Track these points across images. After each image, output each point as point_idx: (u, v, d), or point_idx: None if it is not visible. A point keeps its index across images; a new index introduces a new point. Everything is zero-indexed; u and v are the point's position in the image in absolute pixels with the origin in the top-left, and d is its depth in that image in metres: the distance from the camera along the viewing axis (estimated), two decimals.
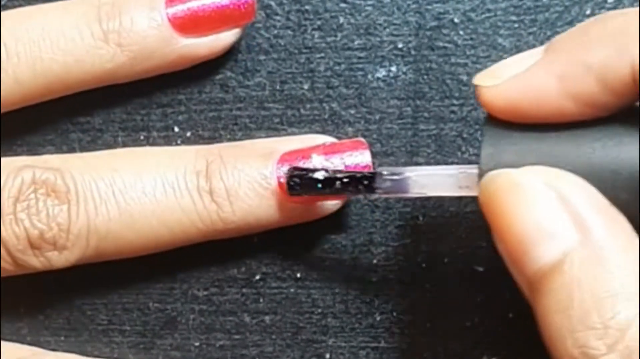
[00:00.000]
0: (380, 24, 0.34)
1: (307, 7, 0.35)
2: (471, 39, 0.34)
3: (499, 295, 0.34)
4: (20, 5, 0.35)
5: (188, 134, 0.35)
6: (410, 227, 0.35)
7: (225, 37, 0.34)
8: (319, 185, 0.31)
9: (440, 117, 0.34)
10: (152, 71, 0.34)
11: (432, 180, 0.29)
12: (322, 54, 0.35)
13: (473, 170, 0.28)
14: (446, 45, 0.34)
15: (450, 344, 0.35)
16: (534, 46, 0.34)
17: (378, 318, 0.35)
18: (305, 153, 0.32)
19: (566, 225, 0.24)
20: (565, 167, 0.26)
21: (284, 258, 0.35)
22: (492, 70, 0.28)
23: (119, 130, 0.35)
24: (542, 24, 0.34)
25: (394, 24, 0.34)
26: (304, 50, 0.35)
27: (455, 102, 0.34)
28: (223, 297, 0.35)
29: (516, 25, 0.34)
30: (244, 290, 0.35)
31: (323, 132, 0.34)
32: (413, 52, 0.34)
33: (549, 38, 0.34)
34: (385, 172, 0.30)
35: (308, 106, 0.35)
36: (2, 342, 0.34)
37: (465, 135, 0.34)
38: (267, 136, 0.35)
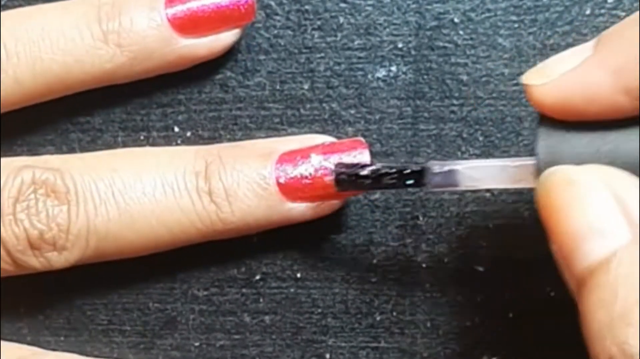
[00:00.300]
0: (380, 24, 0.34)
1: (307, 7, 0.35)
2: (471, 39, 0.34)
3: (499, 295, 0.34)
4: (20, 5, 0.35)
5: (188, 134, 0.35)
6: (410, 227, 0.35)
7: (225, 38, 0.34)
8: (368, 181, 0.31)
9: (440, 117, 0.34)
10: (151, 71, 0.34)
11: (483, 173, 0.29)
12: (322, 54, 0.35)
13: (528, 161, 0.28)
14: (446, 45, 0.34)
15: (450, 344, 0.35)
16: (534, 46, 0.34)
17: (378, 318, 0.35)
18: (304, 153, 0.32)
19: (618, 224, 0.24)
20: (619, 164, 0.26)
21: (284, 258, 0.35)
22: (540, 68, 0.27)
23: (119, 130, 0.35)
24: (542, 24, 0.34)
25: (394, 24, 0.34)
26: (304, 50, 0.35)
27: (455, 102, 0.34)
28: (223, 297, 0.35)
29: (516, 25, 0.34)
30: (244, 290, 0.35)
31: (323, 132, 0.34)
32: (413, 52, 0.34)
33: (549, 38, 0.34)
34: (434, 167, 0.30)
35: (308, 106, 0.35)
36: (2, 342, 0.34)
37: (465, 135, 0.34)
38: (267, 136, 0.35)
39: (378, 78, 0.34)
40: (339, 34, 0.35)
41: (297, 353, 0.35)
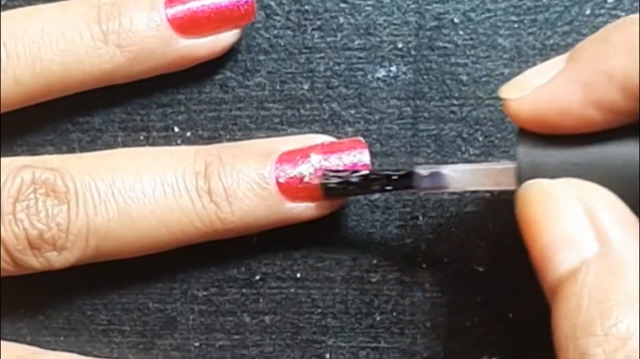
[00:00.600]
0: (380, 24, 0.34)
1: (307, 7, 0.35)
2: (471, 39, 0.34)
3: (499, 295, 0.34)
4: (20, 5, 0.35)
5: (188, 134, 0.35)
6: (410, 227, 0.35)
7: (225, 38, 0.34)
8: (357, 188, 0.31)
9: (440, 117, 0.34)
10: (151, 72, 0.34)
11: (468, 176, 0.30)
12: (322, 54, 0.35)
13: (510, 165, 0.29)
14: (446, 45, 0.34)
15: (450, 344, 0.35)
16: (533, 46, 0.34)
17: (378, 318, 0.35)
18: (304, 153, 0.32)
19: (587, 236, 0.25)
20: (593, 176, 0.26)
21: (284, 258, 0.35)
22: (517, 81, 0.28)
23: (119, 130, 0.35)
24: (542, 24, 0.34)
25: (394, 24, 0.34)
26: (304, 50, 0.35)
27: (455, 102, 0.34)
28: (223, 297, 0.35)
29: (516, 25, 0.34)
30: (244, 290, 0.35)
31: (323, 132, 0.34)
32: (413, 52, 0.34)
33: (549, 38, 0.34)
34: (421, 171, 0.31)
35: (308, 106, 0.35)
36: (1, 342, 0.34)
37: (465, 135, 0.34)
38: (267, 136, 0.35)
39: (378, 78, 0.34)
40: (339, 34, 0.35)
41: (297, 353, 0.35)
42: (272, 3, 0.35)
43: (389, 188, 0.31)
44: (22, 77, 0.32)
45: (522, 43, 0.34)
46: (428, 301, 0.35)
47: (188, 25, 0.33)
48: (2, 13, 0.33)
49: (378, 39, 0.34)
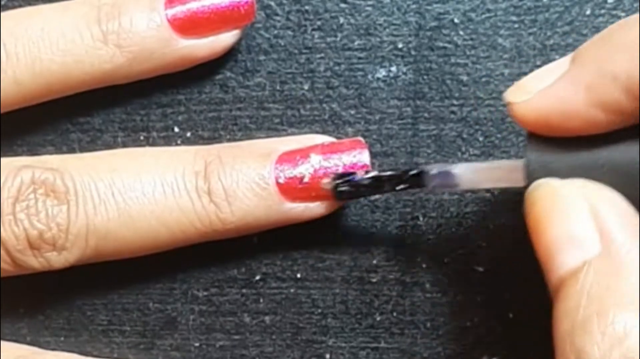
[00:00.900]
0: (380, 24, 0.34)
1: (307, 7, 0.35)
2: (471, 39, 0.34)
3: (499, 295, 0.34)
4: (20, 6, 0.35)
5: (188, 134, 0.35)
6: (410, 227, 0.35)
7: (225, 38, 0.34)
8: (368, 189, 0.32)
9: (440, 117, 0.34)
10: (151, 72, 0.34)
11: (478, 174, 0.30)
12: (322, 54, 0.35)
13: (519, 163, 0.28)
14: (446, 45, 0.34)
15: (450, 344, 0.35)
16: (534, 46, 0.34)
17: (378, 318, 0.35)
18: (304, 153, 0.32)
19: (591, 236, 0.25)
20: (599, 177, 0.26)
21: (284, 258, 0.35)
22: (521, 84, 0.28)
23: (119, 131, 0.35)
24: (542, 24, 0.34)
25: (394, 24, 0.34)
26: (304, 51, 0.35)
27: (455, 102, 0.34)
28: (223, 297, 0.35)
29: (516, 25, 0.34)
30: (244, 290, 0.35)
31: (323, 133, 0.34)
32: (413, 52, 0.34)
33: (549, 38, 0.34)
34: (431, 170, 0.31)
35: (308, 106, 0.35)
36: (1, 342, 0.34)
37: (465, 136, 0.34)
38: (267, 136, 0.35)
39: (378, 78, 0.34)
40: (339, 34, 0.35)
41: (297, 353, 0.35)
42: (272, 3, 0.35)
43: (399, 187, 0.31)
44: (22, 77, 0.32)
45: (522, 43, 0.34)
46: (428, 301, 0.35)
47: (188, 25, 0.33)
48: (2, 13, 0.33)
49: (378, 39, 0.34)
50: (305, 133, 0.35)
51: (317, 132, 0.35)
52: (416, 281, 0.35)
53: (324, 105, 0.35)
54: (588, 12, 0.34)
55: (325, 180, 0.32)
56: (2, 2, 0.35)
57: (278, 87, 0.35)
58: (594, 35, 0.33)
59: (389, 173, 0.32)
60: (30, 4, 0.34)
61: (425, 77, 0.34)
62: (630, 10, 0.33)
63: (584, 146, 0.27)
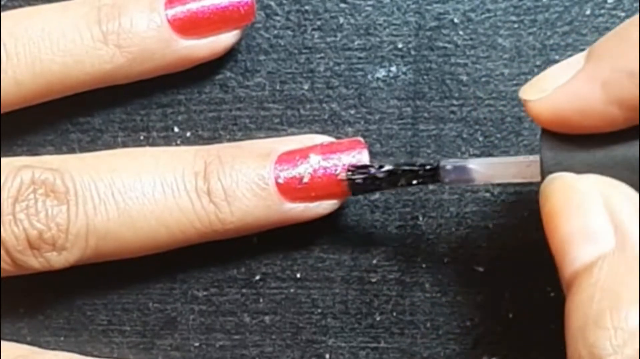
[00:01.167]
0: (380, 24, 0.34)
1: (307, 7, 0.35)
2: (471, 39, 0.34)
3: (499, 295, 0.34)
4: (20, 6, 0.35)
5: (188, 134, 0.35)
6: (410, 227, 0.35)
7: (225, 39, 0.34)
8: (383, 183, 0.32)
9: (440, 117, 0.34)
10: (151, 72, 0.34)
11: (495, 169, 0.30)
12: (322, 54, 0.35)
13: (534, 158, 0.29)
14: (446, 45, 0.34)
15: (450, 344, 0.35)
16: (533, 46, 0.34)
17: (378, 318, 0.35)
18: (303, 153, 0.32)
19: (606, 231, 0.25)
20: (615, 174, 0.26)
21: (284, 258, 0.35)
22: (536, 81, 0.28)
23: (119, 131, 0.35)
24: (542, 24, 0.34)
25: (394, 24, 0.34)
26: (304, 50, 0.35)
27: (455, 102, 0.34)
28: (223, 297, 0.35)
29: (516, 25, 0.34)
30: (244, 290, 0.35)
31: (323, 133, 0.34)
32: (413, 52, 0.34)
33: (549, 38, 0.34)
34: (447, 165, 0.31)
35: (308, 106, 0.35)
36: (1, 342, 0.34)
37: (465, 135, 0.34)
38: (267, 136, 0.35)
39: (378, 78, 0.34)
40: (339, 34, 0.35)
41: (297, 353, 0.35)
42: (272, 3, 0.35)
43: (414, 182, 0.31)
44: (22, 78, 0.32)
45: (522, 43, 0.34)
46: (428, 301, 0.35)
47: (188, 26, 0.33)
48: (2, 13, 0.33)
49: (378, 39, 0.34)
50: (305, 133, 0.35)
51: (317, 132, 0.35)
52: (416, 281, 0.35)
53: (324, 105, 0.35)
54: (588, 12, 0.34)
55: (342, 173, 0.32)
56: (2, 2, 0.35)
57: (278, 87, 0.35)
58: (594, 35, 0.33)
59: (404, 167, 0.31)
60: (30, 4, 0.34)
61: (425, 77, 0.34)
62: (630, 10, 0.33)
63: (600, 142, 0.27)
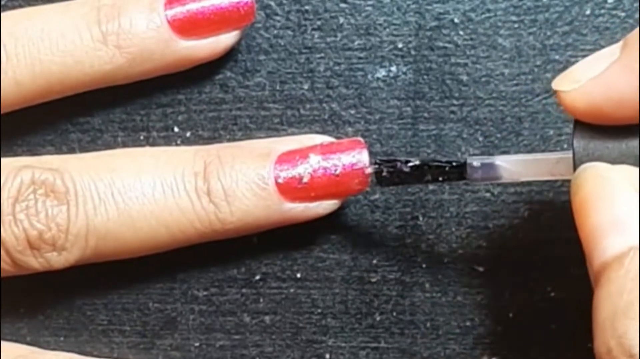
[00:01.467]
0: (380, 24, 0.34)
1: (307, 7, 0.35)
2: (471, 39, 0.34)
3: (499, 295, 0.34)
4: (20, 6, 0.35)
5: (188, 134, 0.35)
6: (410, 227, 0.35)
7: (225, 39, 0.34)
8: (409, 177, 0.32)
9: (440, 117, 0.34)
10: (151, 73, 0.34)
11: (523, 167, 0.30)
12: (322, 54, 0.35)
13: (566, 155, 0.28)
14: (446, 45, 0.34)
15: (450, 344, 0.35)
16: (533, 46, 0.34)
17: (378, 318, 0.35)
18: (303, 153, 0.32)
19: (638, 222, 0.25)
20: None
21: (284, 258, 0.35)
22: (570, 72, 0.27)
23: (119, 131, 0.35)
24: (542, 24, 0.34)
25: (394, 24, 0.34)
26: (304, 50, 0.35)
27: (455, 102, 0.34)
28: (223, 297, 0.35)
29: (516, 25, 0.34)
30: (244, 290, 0.35)
31: (323, 132, 0.34)
32: (413, 52, 0.34)
33: (549, 38, 0.34)
34: (474, 162, 0.31)
35: (308, 106, 0.35)
36: (1, 342, 0.34)
37: (465, 135, 0.34)
38: (267, 136, 0.35)
39: (378, 78, 0.34)
40: (339, 34, 0.35)
41: (297, 353, 0.35)
42: (272, 3, 0.35)
43: (440, 179, 0.31)
44: (21, 78, 0.32)
45: (522, 43, 0.34)
46: (428, 301, 0.35)
47: (188, 26, 0.33)
48: (2, 13, 0.33)
49: (378, 39, 0.34)
50: (305, 133, 0.35)
51: (317, 132, 0.35)
52: (416, 281, 0.35)
53: (324, 105, 0.35)
54: (588, 12, 0.34)
55: (369, 166, 0.32)
56: (2, 2, 0.35)
57: (278, 87, 0.35)
58: (594, 35, 0.33)
59: (430, 163, 0.31)
60: (30, 4, 0.34)
61: (425, 77, 0.34)
62: (630, 10, 0.33)
63: (633, 134, 0.26)
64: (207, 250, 0.34)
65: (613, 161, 0.26)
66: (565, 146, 0.34)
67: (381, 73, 0.34)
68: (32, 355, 0.34)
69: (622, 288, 0.24)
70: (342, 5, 0.34)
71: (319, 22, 0.35)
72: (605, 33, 0.34)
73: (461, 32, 0.34)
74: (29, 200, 0.31)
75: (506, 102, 0.34)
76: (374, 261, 0.35)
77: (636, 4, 0.33)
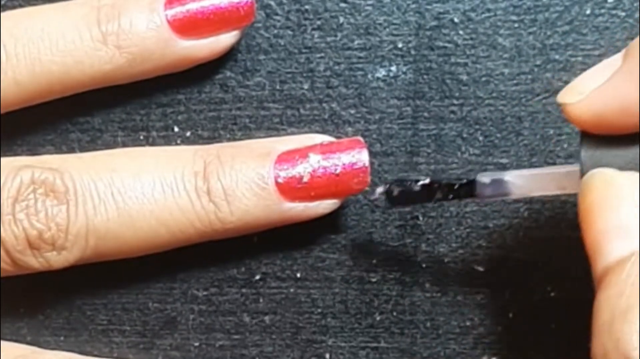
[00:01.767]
0: (380, 24, 0.34)
1: (307, 7, 0.35)
2: (471, 39, 0.34)
3: (499, 295, 0.34)
4: (20, 6, 0.35)
5: (188, 134, 0.35)
6: (410, 227, 0.35)
7: (225, 39, 0.34)
8: (420, 197, 0.32)
9: (440, 117, 0.34)
10: (151, 72, 0.34)
11: (532, 181, 0.30)
12: (322, 54, 0.35)
13: (574, 168, 0.28)
14: (446, 45, 0.34)
15: (450, 344, 0.35)
16: (533, 46, 0.34)
17: (378, 318, 0.35)
18: (303, 152, 0.32)
19: None
20: None
21: (283, 258, 0.35)
22: (574, 85, 0.27)
23: (119, 130, 0.35)
24: (542, 24, 0.34)
25: (394, 24, 0.34)
26: (304, 50, 0.35)
27: (455, 102, 0.34)
28: (223, 297, 0.35)
29: (516, 25, 0.34)
30: (244, 290, 0.35)
31: (323, 132, 0.34)
32: (413, 52, 0.34)
33: (549, 38, 0.34)
34: (484, 179, 0.31)
35: (308, 106, 0.35)
36: (1, 342, 0.34)
37: (465, 135, 0.34)
38: (267, 136, 0.35)
39: (378, 78, 0.34)
40: (339, 34, 0.35)
41: (297, 353, 0.35)
42: (272, 3, 0.35)
43: (451, 197, 0.31)
44: (21, 78, 0.32)
45: (522, 43, 0.34)
46: (428, 301, 0.35)
47: (188, 26, 0.33)
48: (2, 13, 0.33)
49: (378, 39, 0.34)
50: (305, 133, 0.35)
51: (316, 132, 0.35)
52: (416, 281, 0.35)
53: (324, 104, 0.35)
54: (588, 12, 0.34)
55: (379, 188, 0.32)
56: (2, 2, 0.35)
57: (278, 87, 0.35)
58: (594, 35, 0.33)
59: (440, 181, 0.31)
60: (30, 4, 0.34)
61: (425, 76, 0.34)
62: (630, 10, 0.33)
63: (638, 142, 0.26)
64: (207, 249, 0.34)
65: (620, 169, 0.26)
66: (565, 146, 0.34)
67: (381, 73, 0.34)
68: (32, 355, 0.34)
69: (622, 292, 0.24)
70: (342, 5, 0.35)
71: (318, 22, 0.35)
72: (605, 33, 0.34)
73: (461, 32, 0.34)
74: (28, 199, 0.31)
75: (506, 101, 0.34)
76: (374, 261, 0.35)
77: (636, 4, 0.33)
